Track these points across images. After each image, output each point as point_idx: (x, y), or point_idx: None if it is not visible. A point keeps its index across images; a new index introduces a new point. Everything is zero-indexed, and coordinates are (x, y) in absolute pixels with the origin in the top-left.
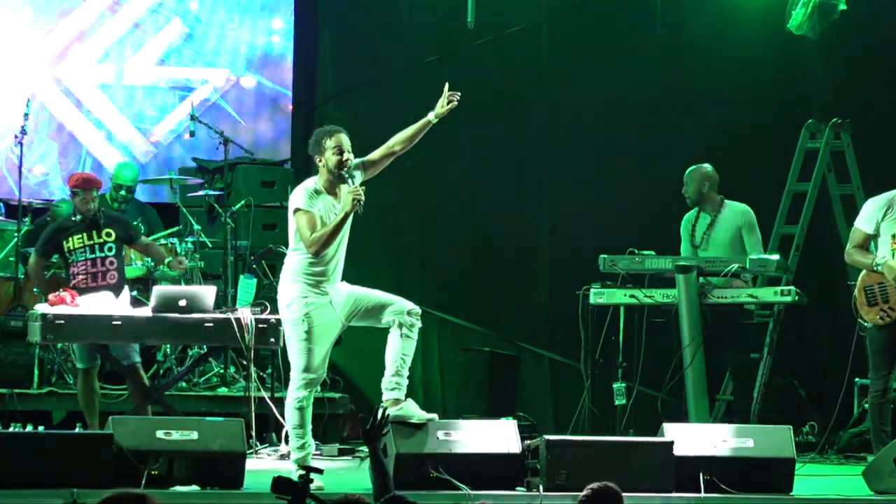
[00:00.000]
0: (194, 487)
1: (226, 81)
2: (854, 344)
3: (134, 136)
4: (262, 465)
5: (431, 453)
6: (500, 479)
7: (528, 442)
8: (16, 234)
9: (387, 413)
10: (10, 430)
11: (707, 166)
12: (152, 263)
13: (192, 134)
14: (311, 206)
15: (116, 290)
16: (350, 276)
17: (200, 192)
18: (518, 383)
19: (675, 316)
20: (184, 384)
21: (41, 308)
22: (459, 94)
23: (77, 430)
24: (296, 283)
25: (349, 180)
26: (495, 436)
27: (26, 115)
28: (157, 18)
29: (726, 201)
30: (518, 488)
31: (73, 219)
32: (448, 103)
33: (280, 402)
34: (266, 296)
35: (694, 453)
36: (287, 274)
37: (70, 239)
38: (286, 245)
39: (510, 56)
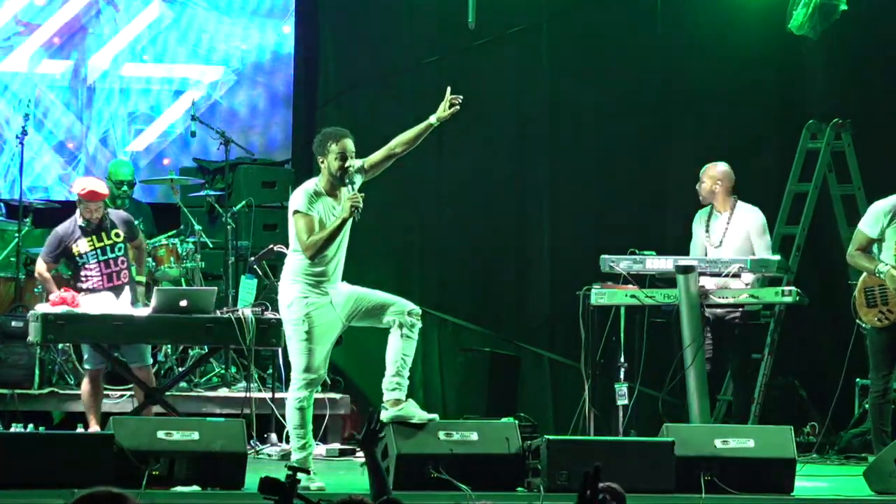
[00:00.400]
0: (195, 488)
1: (223, 79)
2: (852, 344)
3: (128, 136)
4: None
5: (432, 454)
6: (500, 480)
7: (529, 442)
8: (16, 235)
9: (381, 419)
10: (11, 430)
11: (723, 165)
12: (153, 263)
13: (194, 134)
14: (311, 209)
15: (126, 288)
16: (350, 276)
17: (201, 193)
18: (518, 383)
19: (676, 316)
20: (185, 384)
21: (42, 308)
22: (461, 97)
23: (78, 430)
24: (296, 284)
25: (349, 185)
26: (496, 436)
27: (26, 115)
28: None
29: (739, 202)
30: (519, 489)
31: (80, 223)
32: (450, 107)
33: (281, 403)
34: (267, 296)
35: (694, 453)
36: (287, 274)
37: (79, 243)
38: (287, 245)
39: (510, 56)
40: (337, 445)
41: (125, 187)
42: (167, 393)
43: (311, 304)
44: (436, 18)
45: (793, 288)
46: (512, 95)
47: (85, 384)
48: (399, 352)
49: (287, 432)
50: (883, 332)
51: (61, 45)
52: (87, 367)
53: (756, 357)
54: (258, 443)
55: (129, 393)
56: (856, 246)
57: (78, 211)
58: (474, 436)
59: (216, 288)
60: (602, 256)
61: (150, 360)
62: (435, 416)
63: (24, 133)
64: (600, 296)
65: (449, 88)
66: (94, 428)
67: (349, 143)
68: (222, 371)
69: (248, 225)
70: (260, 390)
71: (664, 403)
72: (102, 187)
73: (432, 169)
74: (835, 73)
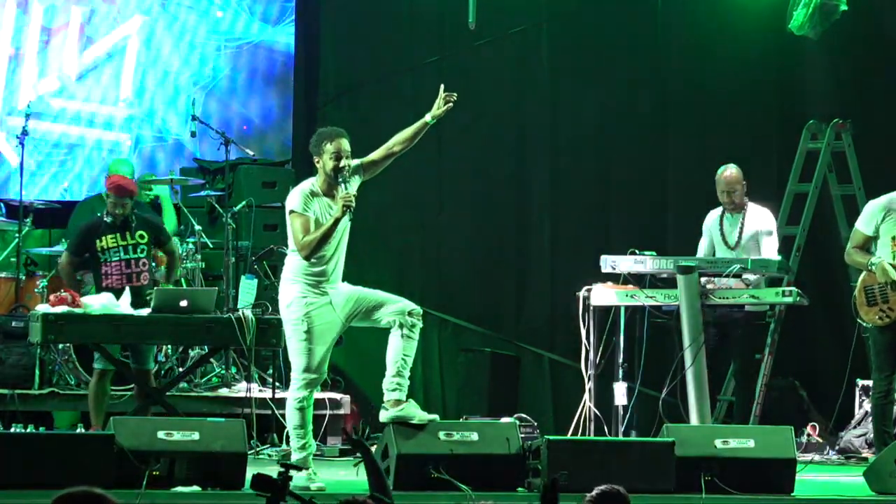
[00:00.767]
0: (195, 488)
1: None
2: (854, 344)
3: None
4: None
5: (432, 454)
6: (500, 480)
7: (529, 442)
8: (16, 235)
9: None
10: (12, 430)
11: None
12: (153, 264)
13: (194, 134)
14: (306, 209)
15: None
16: (350, 276)
17: (201, 193)
18: (518, 384)
19: (677, 316)
20: (185, 385)
21: (42, 308)
22: (455, 94)
23: (78, 430)
24: (296, 284)
25: (343, 185)
26: (496, 436)
27: (27, 115)
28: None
29: (750, 203)
30: (519, 489)
31: (105, 219)
32: (444, 104)
33: (281, 403)
34: (267, 296)
35: (695, 454)
36: (287, 274)
37: (103, 238)
38: (287, 245)
39: (511, 56)
40: (337, 445)
41: None
42: (167, 393)
43: (310, 304)
44: (436, 18)
45: (793, 288)
46: (512, 95)
47: (92, 382)
48: (399, 352)
49: (287, 432)
50: (885, 332)
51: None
52: (96, 366)
53: (757, 357)
54: (258, 443)
55: (129, 393)
56: (853, 244)
57: (106, 207)
58: (474, 436)
59: (216, 288)
60: (602, 256)
61: (154, 365)
62: (435, 416)
63: (25, 133)
64: (600, 296)
65: (442, 86)
66: (96, 428)
67: (344, 143)
68: (222, 371)
69: (248, 225)
70: (260, 390)
71: (664, 403)
72: (130, 183)
73: (432, 169)
74: (835, 73)
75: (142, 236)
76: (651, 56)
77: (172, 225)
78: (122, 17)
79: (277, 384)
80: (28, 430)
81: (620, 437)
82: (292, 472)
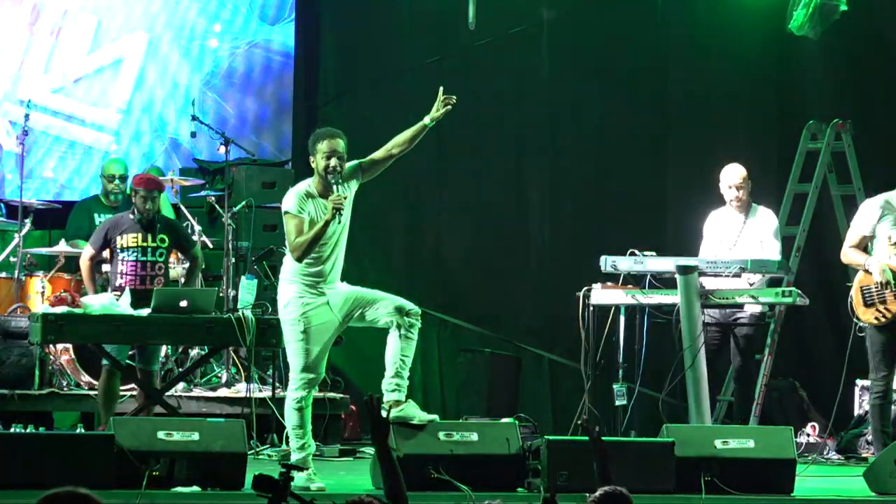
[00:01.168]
0: (195, 488)
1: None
2: (850, 344)
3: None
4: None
5: (432, 454)
6: (500, 480)
7: (529, 443)
8: (16, 235)
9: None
10: (12, 430)
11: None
12: None
13: (194, 135)
14: (301, 210)
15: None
16: (350, 276)
17: (201, 193)
18: (518, 384)
19: (677, 317)
20: (185, 385)
21: (42, 308)
22: (455, 97)
23: (79, 430)
24: (293, 284)
25: (335, 186)
26: (496, 437)
27: (27, 115)
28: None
29: (754, 204)
30: (519, 489)
31: (131, 217)
32: (444, 106)
33: (281, 403)
34: (267, 297)
35: (695, 454)
36: (285, 275)
37: (124, 236)
38: (286, 246)
39: (510, 56)
40: (337, 445)
41: (117, 181)
42: (168, 393)
43: (307, 305)
44: (436, 18)
45: (793, 288)
46: (512, 95)
47: (101, 380)
48: (398, 352)
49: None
50: (882, 332)
51: None
52: (104, 363)
53: (756, 357)
54: (258, 443)
55: (129, 393)
56: (849, 244)
57: (133, 204)
58: (474, 436)
59: (216, 288)
60: (602, 256)
61: (158, 366)
62: (435, 416)
63: (25, 133)
64: (600, 296)
65: (441, 88)
66: (104, 427)
67: (337, 144)
68: (222, 371)
69: (248, 225)
70: (260, 390)
71: (664, 404)
72: (158, 180)
73: (432, 169)
74: (835, 74)
75: (163, 240)
76: (651, 56)
77: None
78: (128, 28)
79: (277, 384)
80: (28, 430)
81: (620, 438)
82: (292, 473)
